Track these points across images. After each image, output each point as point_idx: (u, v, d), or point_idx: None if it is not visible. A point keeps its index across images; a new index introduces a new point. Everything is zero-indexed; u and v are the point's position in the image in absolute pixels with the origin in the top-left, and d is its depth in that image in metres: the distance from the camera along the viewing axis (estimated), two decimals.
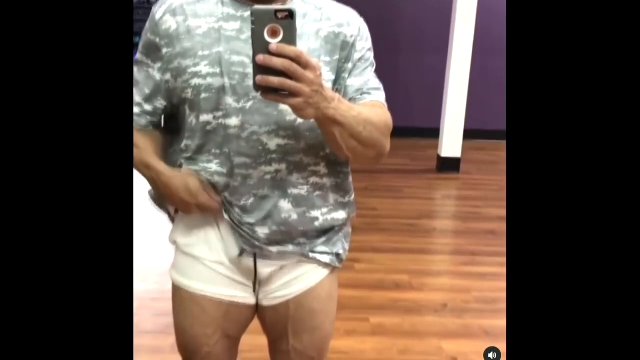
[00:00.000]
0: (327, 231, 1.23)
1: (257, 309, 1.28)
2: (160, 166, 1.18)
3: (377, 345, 2.44)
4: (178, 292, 1.27)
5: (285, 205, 1.15)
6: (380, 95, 1.16)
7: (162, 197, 1.22)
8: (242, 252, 1.18)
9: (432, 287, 3.02)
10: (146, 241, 3.41)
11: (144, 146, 1.19)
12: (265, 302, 1.25)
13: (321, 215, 1.19)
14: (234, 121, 1.10)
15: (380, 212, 4.13)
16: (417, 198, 4.53)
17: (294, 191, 1.15)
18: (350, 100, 1.11)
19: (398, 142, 6.22)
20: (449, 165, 5.14)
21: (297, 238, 1.19)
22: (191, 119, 1.13)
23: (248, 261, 1.20)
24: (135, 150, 1.19)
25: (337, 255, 1.25)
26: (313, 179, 1.16)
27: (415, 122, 6.11)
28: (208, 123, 1.11)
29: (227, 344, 1.28)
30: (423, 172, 5.19)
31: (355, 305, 2.76)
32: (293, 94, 0.92)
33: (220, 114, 1.10)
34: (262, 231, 1.16)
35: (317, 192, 1.17)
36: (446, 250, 3.58)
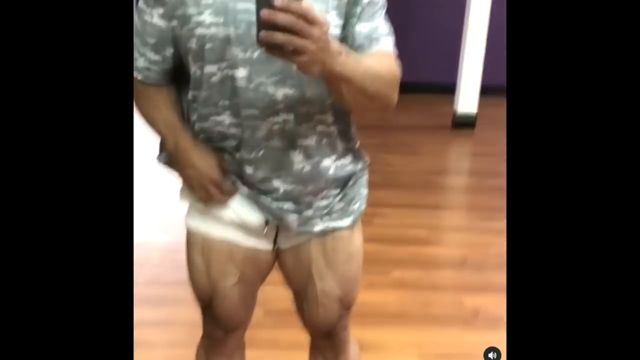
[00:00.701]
0: (342, 186, 1.21)
1: (277, 257, 1.28)
2: (183, 130, 1.18)
3: (398, 298, 2.46)
4: (193, 238, 1.26)
5: (296, 157, 1.14)
6: (389, 43, 1.12)
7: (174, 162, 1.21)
8: (266, 223, 1.18)
9: (451, 242, 3.03)
10: (167, 194, 3.42)
11: (164, 108, 1.18)
12: (285, 245, 1.24)
13: (332, 163, 1.18)
14: (241, 72, 1.07)
15: (396, 168, 4.11)
16: (433, 155, 4.50)
17: (304, 142, 1.13)
18: (358, 47, 1.08)
19: (413, 98, 6.18)
20: (465, 122, 5.09)
21: (314, 195, 1.18)
22: (194, 70, 1.11)
23: (268, 232, 1.20)
24: (154, 112, 1.19)
25: (358, 211, 1.25)
26: (320, 128, 1.14)
27: (430, 77, 6.02)
28: (213, 74, 1.09)
29: (244, 290, 1.28)
30: (438, 129, 5.14)
31: (375, 260, 2.77)
32: (298, 51, 0.89)
33: (225, 64, 1.07)
34: (277, 184, 1.15)
35: (325, 140, 1.16)
36: (464, 206, 3.57)
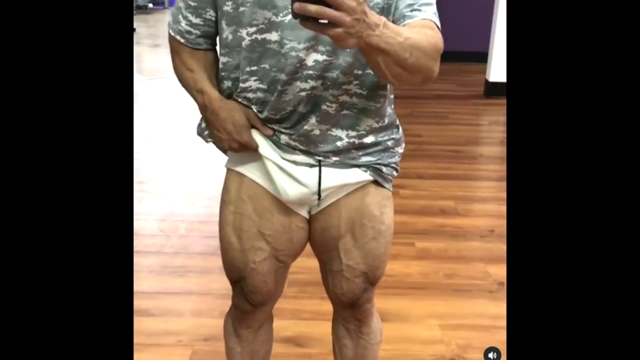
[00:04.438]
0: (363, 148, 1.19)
1: (310, 231, 1.28)
2: (213, 93, 1.17)
3: (422, 269, 2.45)
4: (229, 197, 1.26)
5: (311, 119, 1.13)
6: (431, 12, 1.08)
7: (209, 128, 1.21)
8: (311, 166, 1.18)
9: (478, 213, 2.99)
10: (194, 166, 3.46)
11: (198, 69, 1.18)
12: (314, 211, 1.24)
13: (346, 137, 1.16)
14: (273, 36, 1.06)
15: (425, 138, 4.06)
16: (463, 124, 4.42)
17: (322, 107, 1.12)
18: (399, 17, 1.06)
19: (444, 67, 6.03)
20: (497, 90, 4.98)
21: (326, 157, 1.17)
22: (227, 34, 1.11)
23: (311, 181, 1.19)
24: (188, 74, 1.19)
25: (377, 169, 1.22)
26: (343, 97, 1.12)
27: (462, 46, 5.89)
28: (244, 38, 1.08)
29: (274, 265, 1.28)
30: (470, 98, 5.05)
31: (401, 230, 2.76)
32: (333, 23, 0.86)
33: (256, 29, 1.06)
34: (284, 139, 1.15)
35: (345, 112, 1.14)
36: (492, 176, 3.51)
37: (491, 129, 4.49)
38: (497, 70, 4.95)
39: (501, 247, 2.62)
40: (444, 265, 2.48)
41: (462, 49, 5.89)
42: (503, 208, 3.00)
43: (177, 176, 3.36)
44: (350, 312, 1.35)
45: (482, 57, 5.18)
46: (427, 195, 3.15)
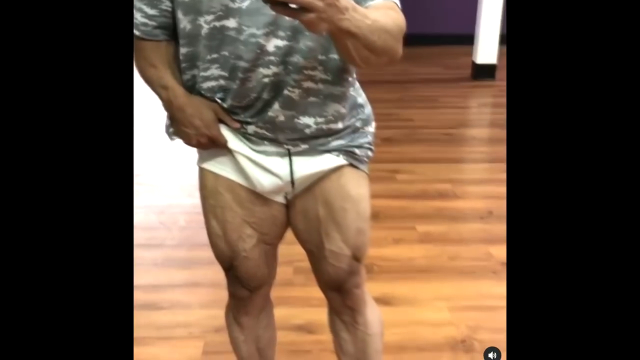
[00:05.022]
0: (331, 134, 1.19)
1: (290, 218, 1.28)
2: (178, 89, 1.16)
3: (426, 252, 2.47)
4: (207, 192, 1.26)
5: (274, 105, 1.12)
6: None
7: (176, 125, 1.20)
8: (282, 156, 1.18)
9: (475, 195, 3.01)
10: (187, 157, 3.43)
11: (161, 65, 1.16)
12: (290, 196, 1.24)
13: (314, 124, 1.15)
14: (231, 23, 1.05)
15: (417, 122, 4.07)
16: (453, 107, 4.44)
17: (285, 92, 1.11)
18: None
19: (430, 50, 6.09)
20: (485, 72, 5.01)
21: (294, 145, 1.17)
22: (184, 25, 1.09)
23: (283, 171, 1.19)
24: (151, 70, 1.16)
25: (350, 152, 1.21)
26: (307, 84, 1.11)
27: (448, 28, 5.90)
28: (202, 27, 1.07)
29: (264, 249, 1.29)
30: (457, 80, 5.07)
31: (400, 215, 2.78)
32: (305, 9, 0.85)
33: (213, 16, 1.05)
34: (251, 129, 1.14)
35: (311, 99, 1.13)
36: (487, 158, 3.54)
37: (480, 111, 4.52)
38: (484, 52, 4.97)
39: (501, 228, 2.65)
40: (447, 248, 2.50)
41: (448, 31, 5.90)
42: (499, 189, 3.03)
43: (171, 167, 3.33)
44: (340, 300, 1.34)
45: (467, 40, 5.19)
46: (423, 179, 3.17)
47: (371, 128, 1.26)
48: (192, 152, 1.26)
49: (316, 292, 1.39)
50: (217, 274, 2.31)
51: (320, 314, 2.11)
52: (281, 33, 1.05)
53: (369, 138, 1.25)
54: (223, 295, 1.41)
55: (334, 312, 1.41)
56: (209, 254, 1.34)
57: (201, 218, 1.31)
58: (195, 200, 1.30)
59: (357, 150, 1.22)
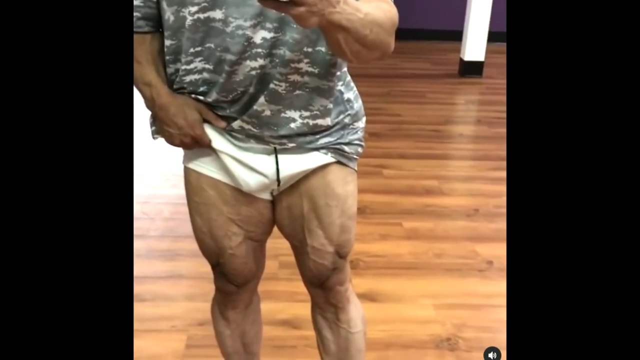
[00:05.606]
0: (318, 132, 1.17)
1: (275, 213, 1.26)
2: (162, 87, 1.13)
3: (412, 249, 2.47)
4: (191, 189, 1.24)
5: (260, 99, 1.09)
6: None
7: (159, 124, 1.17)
8: (269, 153, 1.16)
9: (462, 192, 3.01)
10: (177, 149, 3.39)
11: (145, 61, 1.12)
12: (276, 192, 1.22)
13: (300, 119, 1.12)
14: (217, 14, 1.02)
15: (404, 118, 4.06)
16: (441, 103, 4.44)
17: (271, 86, 1.08)
18: None
19: (418, 46, 6.08)
20: (472, 69, 5.01)
21: (272, 138, 1.14)
22: (168, 16, 1.06)
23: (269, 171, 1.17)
24: (135, 65, 1.12)
25: (338, 150, 1.19)
26: (293, 77, 1.08)
27: (436, 24, 5.90)
28: (186, 18, 1.04)
29: (250, 245, 1.28)
30: (445, 77, 5.06)
31: (387, 211, 2.77)
32: (295, 2, 0.82)
33: (197, 7, 1.02)
34: (236, 124, 1.12)
35: (298, 92, 1.10)
36: (474, 155, 3.55)
37: (468, 107, 4.52)
38: (472, 49, 4.97)
39: (487, 226, 2.65)
40: (433, 245, 2.49)
41: (436, 27, 5.90)
42: (486, 187, 3.04)
43: (155, 157, 3.28)
44: (323, 296, 1.33)
45: (455, 36, 5.18)
46: (410, 175, 3.16)
47: (361, 123, 1.24)
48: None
49: (301, 287, 1.38)
50: (202, 266, 2.28)
51: (305, 309, 2.09)
52: (268, 25, 1.02)
53: (359, 134, 1.23)
54: (207, 288, 1.39)
55: (317, 309, 1.39)
56: (193, 245, 1.32)
57: (185, 209, 1.28)
58: (180, 191, 1.28)
59: (346, 148, 1.20)
